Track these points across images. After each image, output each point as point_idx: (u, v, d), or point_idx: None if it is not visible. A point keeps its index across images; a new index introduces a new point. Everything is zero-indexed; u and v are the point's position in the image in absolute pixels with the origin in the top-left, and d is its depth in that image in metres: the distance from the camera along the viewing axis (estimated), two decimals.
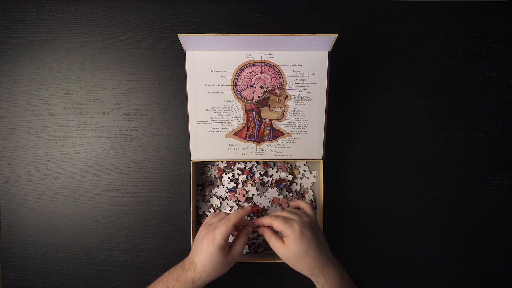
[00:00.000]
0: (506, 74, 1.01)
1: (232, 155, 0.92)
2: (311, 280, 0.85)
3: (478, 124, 1.01)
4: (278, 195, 0.97)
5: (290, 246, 0.78)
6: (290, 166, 1.00)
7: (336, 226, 0.99)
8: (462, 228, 1.01)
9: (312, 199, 0.99)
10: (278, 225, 0.79)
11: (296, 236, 0.77)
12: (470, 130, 1.01)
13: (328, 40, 0.81)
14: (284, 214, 0.83)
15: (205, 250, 0.79)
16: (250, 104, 0.88)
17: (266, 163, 0.98)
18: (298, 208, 0.91)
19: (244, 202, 0.97)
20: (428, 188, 1.01)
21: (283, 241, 0.80)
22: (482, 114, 1.01)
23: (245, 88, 0.87)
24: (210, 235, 0.79)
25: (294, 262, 0.80)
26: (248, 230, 0.85)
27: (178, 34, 0.79)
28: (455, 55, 1.01)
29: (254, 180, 0.97)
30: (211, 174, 0.99)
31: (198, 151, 0.92)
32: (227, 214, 0.84)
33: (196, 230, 0.95)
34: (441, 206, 1.01)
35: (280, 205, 0.97)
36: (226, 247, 0.80)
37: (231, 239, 0.87)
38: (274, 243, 0.81)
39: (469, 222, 1.01)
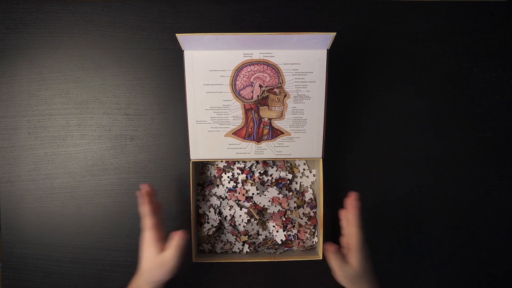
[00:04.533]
0: (506, 74, 1.01)
1: (231, 155, 0.92)
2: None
3: (478, 124, 1.01)
4: (278, 194, 0.96)
5: (357, 261, 0.82)
6: (289, 165, 1.00)
7: (336, 225, 0.99)
8: (462, 228, 1.01)
9: (312, 197, 0.99)
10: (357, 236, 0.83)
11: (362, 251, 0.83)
12: (470, 130, 1.01)
13: (326, 38, 0.81)
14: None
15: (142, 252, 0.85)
16: (249, 103, 0.89)
17: (265, 162, 0.98)
18: None
19: (244, 202, 0.97)
20: (428, 188, 1.01)
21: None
22: (482, 114, 1.01)
23: (244, 87, 0.88)
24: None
25: (356, 278, 0.83)
26: (179, 236, 0.84)
27: (176, 34, 0.79)
28: (455, 55, 1.01)
29: (254, 179, 0.97)
30: (210, 173, 0.99)
31: (198, 151, 0.92)
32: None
33: (196, 230, 0.96)
34: (441, 206, 1.01)
35: (280, 204, 0.97)
36: (156, 246, 0.84)
37: None
38: (339, 261, 0.83)
39: (469, 222, 1.01)
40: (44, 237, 1.00)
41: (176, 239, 0.82)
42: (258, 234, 0.98)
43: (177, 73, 0.99)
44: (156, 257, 0.82)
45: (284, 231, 0.97)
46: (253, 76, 0.87)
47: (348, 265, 0.82)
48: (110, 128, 1.00)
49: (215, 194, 0.98)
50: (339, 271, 0.82)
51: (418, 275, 1.00)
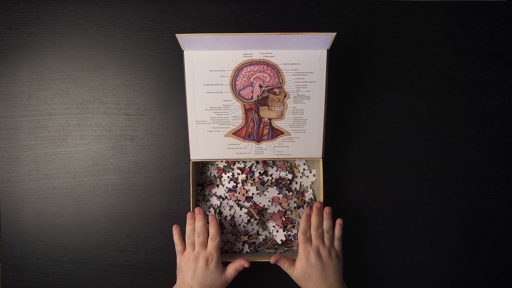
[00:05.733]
0: (506, 74, 1.01)
1: (231, 155, 0.92)
2: None
3: (478, 124, 1.01)
4: (278, 194, 0.96)
5: (297, 266, 0.88)
6: (289, 165, 1.00)
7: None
8: (462, 228, 1.00)
9: (312, 197, 0.99)
10: (299, 242, 0.90)
11: (304, 259, 0.88)
12: (470, 130, 1.01)
13: (326, 38, 0.81)
14: (313, 233, 0.90)
15: (204, 270, 0.87)
16: (249, 103, 0.89)
17: (265, 162, 0.98)
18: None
19: (244, 202, 0.97)
20: (428, 188, 1.00)
21: (293, 263, 0.90)
22: (482, 114, 1.01)
23: (244, 88, 0.87)
24: (205, 256, 0.88)
25: (300, 282, 0.89)
26: (241, 263, 0.90)
27: (176, 34, 0.79)
28: (455, 55, 1.01)
29: (254, 179, 0.97)
30: (210, 173, 0.99)
31: (198, 151, 0.92)
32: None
33: None
34: (441, 206, 1.00)
35: (280, 204, 0.97)
36: (221, 266, 0.90)
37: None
38: (286, 266, 0.90)
39: (469, 222, 1.00)
40: (44, 237, 1.00)
41: (238, 263, 0.89)
42: (258, 234, 0.98)
43: (177, 73, 0.99)
44: (220, 277, 0.88)
45: (284, 231, 0.97)
46: (253, 76, 0.87)
47: (293, 268, 0.89)
48: (110, 128, 1.00)
49: (215, 194, 0.98)
50: (289, 274, 0.90)
51: (418, 275, 1.00)
